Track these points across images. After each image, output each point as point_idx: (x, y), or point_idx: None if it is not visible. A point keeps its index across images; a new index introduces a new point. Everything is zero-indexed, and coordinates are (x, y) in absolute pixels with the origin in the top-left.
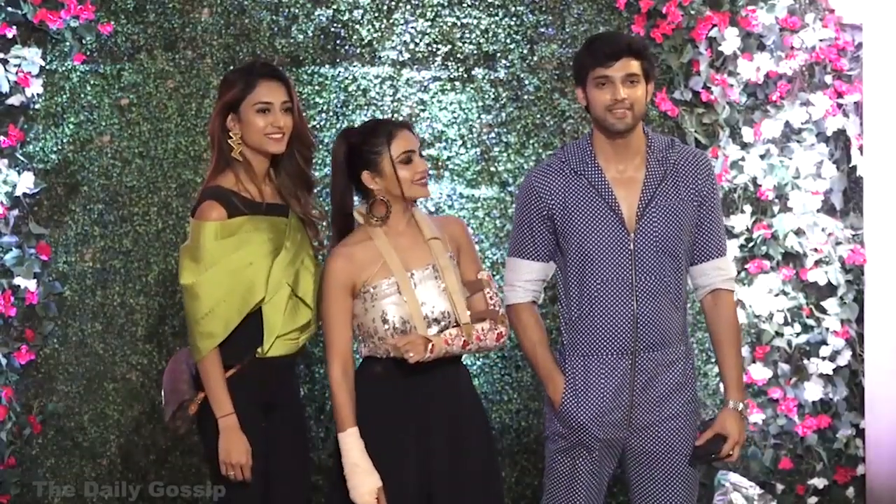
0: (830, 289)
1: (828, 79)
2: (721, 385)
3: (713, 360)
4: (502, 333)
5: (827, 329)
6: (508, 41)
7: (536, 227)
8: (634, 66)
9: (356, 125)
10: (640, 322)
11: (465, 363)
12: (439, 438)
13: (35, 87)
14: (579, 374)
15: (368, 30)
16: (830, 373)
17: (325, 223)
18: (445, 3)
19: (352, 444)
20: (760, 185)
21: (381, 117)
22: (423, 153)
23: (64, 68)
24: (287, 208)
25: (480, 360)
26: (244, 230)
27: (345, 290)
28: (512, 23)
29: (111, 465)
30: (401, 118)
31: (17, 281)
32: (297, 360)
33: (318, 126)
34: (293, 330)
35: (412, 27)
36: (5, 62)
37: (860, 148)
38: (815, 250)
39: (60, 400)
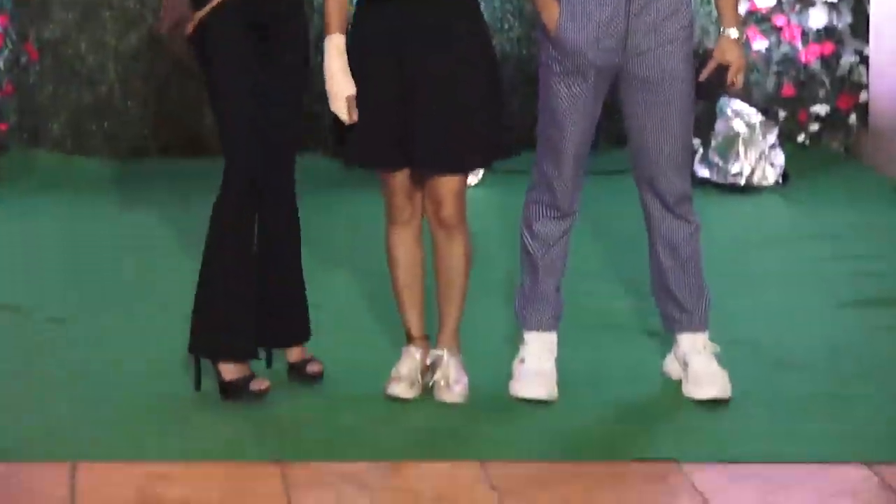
0: None
1: None
2: None
3: None
4: None
5: None
6: None
7: None
8: None
9: None
10: None
11: None
12: (421, 51)
13: None
14: (576, 1)
15: None
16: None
17: None
18: None
19: (331, 50)
20: None
21: None
22: None
23: None
24: None
25: None
26: None
27: None
28: None
29: (110, 93)
30: None
31: None
32: None
33: None
34: None
35: None
36: None
37: None
38: None
39: (57, 27)
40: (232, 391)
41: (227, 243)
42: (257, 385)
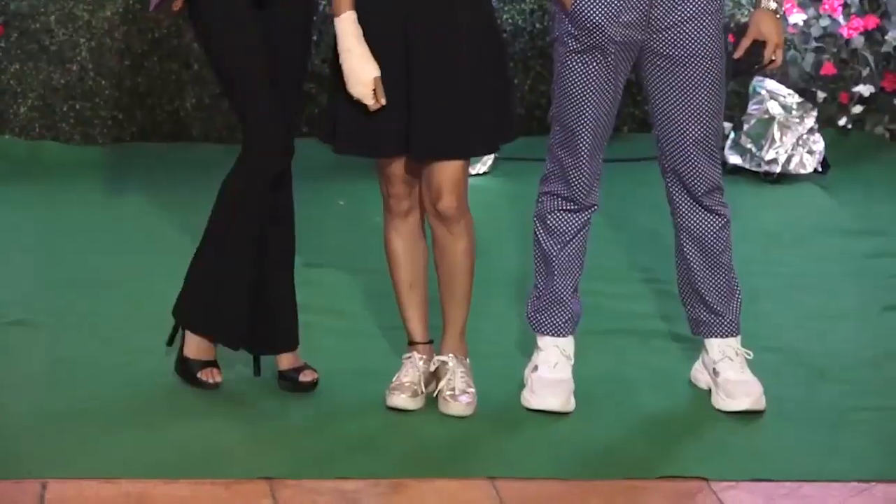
0: None
1: None
2: None
3: None
4: None
5: None
6: None
7: None
8: None
9: None
10: None
11: None
12: (422, 29)
13: None
14: None
15: None
16: None
17: None
18: None
19: (347, 28)
20: None
21: None
22: None
23: None
24: None
25: None
26: None
27: None
28: None
29: (82, 72)
30: None
31: None
32: None
33: None
34: None
35: None
36: None
37: None
38: None
39: None
40: (185, 370)
41: (236, 222)
42: (205, 375)
